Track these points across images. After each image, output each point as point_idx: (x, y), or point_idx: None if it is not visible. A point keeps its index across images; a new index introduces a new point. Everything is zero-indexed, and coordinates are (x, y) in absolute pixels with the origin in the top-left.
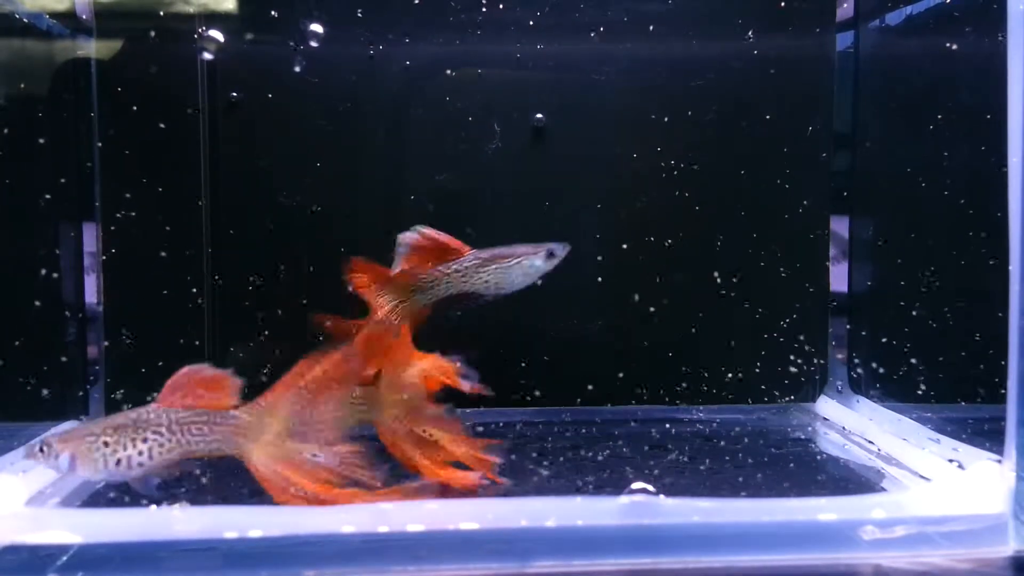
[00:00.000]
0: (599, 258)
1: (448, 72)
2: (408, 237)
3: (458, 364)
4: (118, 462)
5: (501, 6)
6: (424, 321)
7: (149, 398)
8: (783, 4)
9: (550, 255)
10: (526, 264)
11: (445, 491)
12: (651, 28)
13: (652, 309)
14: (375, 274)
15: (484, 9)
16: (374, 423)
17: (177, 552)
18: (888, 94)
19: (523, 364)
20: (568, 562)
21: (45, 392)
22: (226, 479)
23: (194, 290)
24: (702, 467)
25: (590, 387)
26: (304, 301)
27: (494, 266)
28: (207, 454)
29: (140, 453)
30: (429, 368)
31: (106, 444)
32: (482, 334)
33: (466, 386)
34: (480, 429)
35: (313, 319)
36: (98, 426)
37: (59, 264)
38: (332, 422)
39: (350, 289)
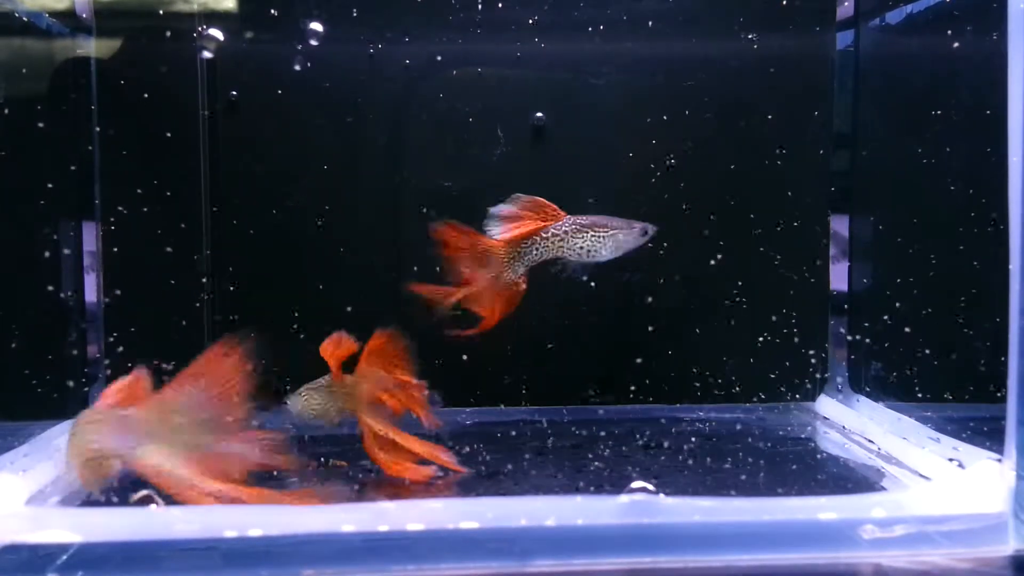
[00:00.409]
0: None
1: (448, 71)
2: (502, 207)
3: (424, 392)
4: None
5: (501, 5)
6: (522, 292)
7: None
8: (783, 3)
9: (644, 232)
10: (620, 238)
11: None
12: (651, 27)
13: (652, 308)
14: (470, 241)
15: (484, 8)
16: (355, 414)
17: (177, 551)
18: (888, 93)
19: (523, 363)
20: (568, 561)
21: (45, 391)
22: None
23: (194, 288)
24: (702, 466)
25: (590, 386)
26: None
27: (590, 234)
28: (105, 455)
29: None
30: (392, 387)
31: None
32: (482, 333)
33: (426, 419)
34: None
35: (408, 287)
36: None
37: (59, 263)
38: (239, 412)
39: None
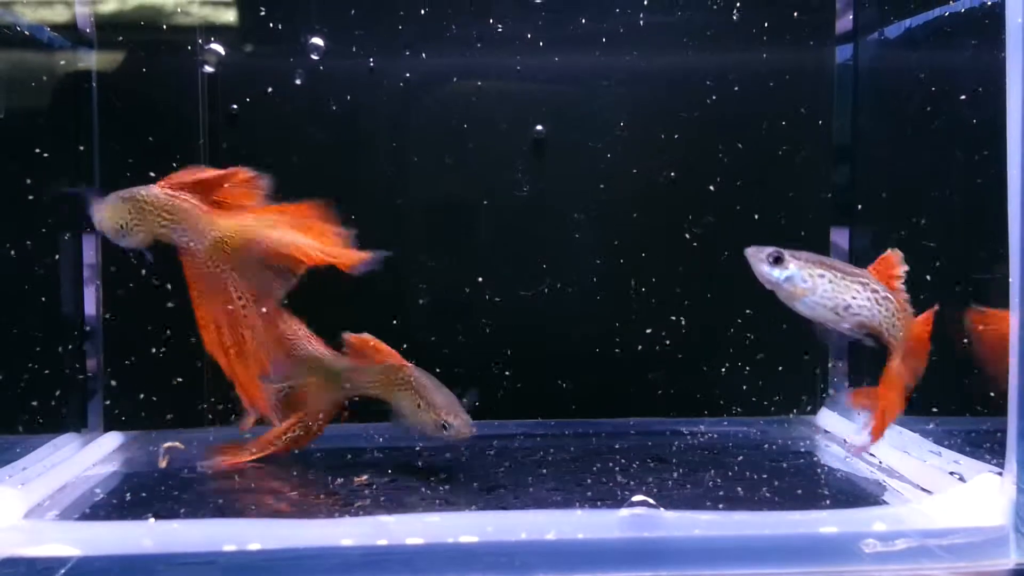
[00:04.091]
0: (599, 270)
1: (448, 84)
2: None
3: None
4: None
5: (501, 19)
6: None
7: None
8: (782, 17)
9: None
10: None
11: None
12: (651, 41)
13: (653, 321)
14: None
15: (484, 22)
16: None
17: (175, 565)
18: (887, 106)
19: (522, 376)
20: (568, 575)
21: (44, 404)
22: (227, 492)
23: None
24: (703, 480)
25: (590, 399)
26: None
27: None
28: None
29: None
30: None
31: None
32: (481, 346)
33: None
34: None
35: None
36: None
37: (59, 276)
38: None
39: None
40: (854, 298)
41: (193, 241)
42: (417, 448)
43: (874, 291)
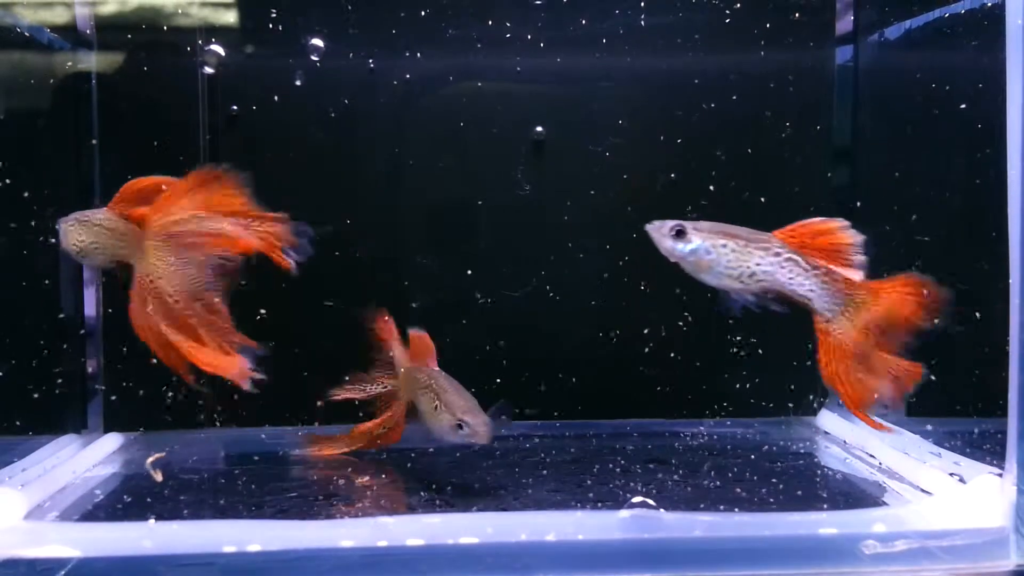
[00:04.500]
0: (599, 272)
1: (448, 85)
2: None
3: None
4: None
5: (501, 20)
6: None
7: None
8: (782, 18)
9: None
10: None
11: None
12: (651, 42)
13: (653, 322)
14: None
15: (484, 23)
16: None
17: (175, 566)
18: (887, 107)
19: (523, 378)
20: None
21: (44, 405)
22: (227, 493)
23: None
24: (703, 481)
25: (590, 400)
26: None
27: None
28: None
29: None
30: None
31: None
32: (481, 346)
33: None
34: None
35: None
36: None
37: (58, 277)
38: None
39: None
40: (758, 264)
41: (134, 258)
42: (429, 449)
43: (776, 254)
